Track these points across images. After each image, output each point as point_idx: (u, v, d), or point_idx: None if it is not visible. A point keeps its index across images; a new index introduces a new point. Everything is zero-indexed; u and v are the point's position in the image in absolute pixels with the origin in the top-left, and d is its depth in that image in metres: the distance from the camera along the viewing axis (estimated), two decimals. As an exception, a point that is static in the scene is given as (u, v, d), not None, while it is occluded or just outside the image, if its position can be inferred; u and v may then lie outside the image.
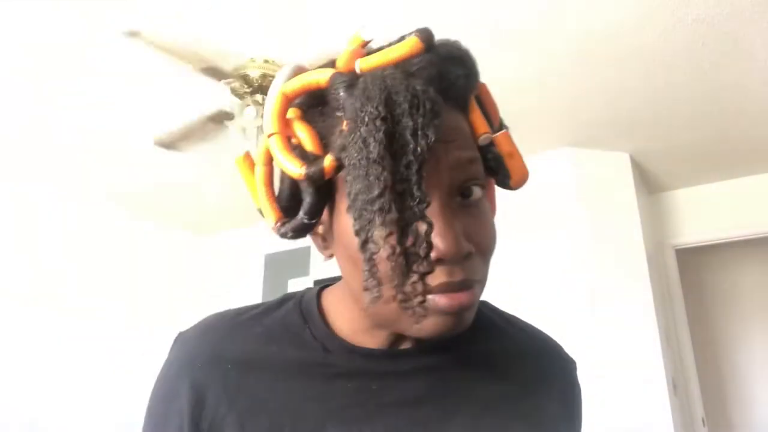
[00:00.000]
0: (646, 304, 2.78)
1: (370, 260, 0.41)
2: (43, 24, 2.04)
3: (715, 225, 3.36)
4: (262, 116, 2.20)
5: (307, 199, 0.47)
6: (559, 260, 2.83)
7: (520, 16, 2.01)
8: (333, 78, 0.45)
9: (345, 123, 0.43)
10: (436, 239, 0.42)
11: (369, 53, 0.47)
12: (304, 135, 0.46)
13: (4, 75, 2.33)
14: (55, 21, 2.02)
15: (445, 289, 0.44)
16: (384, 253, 0.41)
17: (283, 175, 0.49)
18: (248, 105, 2.19)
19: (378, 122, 0.39)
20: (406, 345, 0.54)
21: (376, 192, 0.39)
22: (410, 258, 0.41)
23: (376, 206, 0.39)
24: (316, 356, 0.53)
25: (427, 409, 0.52)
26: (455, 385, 0.54)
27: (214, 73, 2.17)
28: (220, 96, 2.34)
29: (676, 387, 2.82)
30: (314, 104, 0.48)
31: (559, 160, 2.98)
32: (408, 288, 0.42)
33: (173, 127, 2.41)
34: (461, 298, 0.44)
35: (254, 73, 2.23)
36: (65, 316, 3.33)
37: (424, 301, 0.43)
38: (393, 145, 0.39)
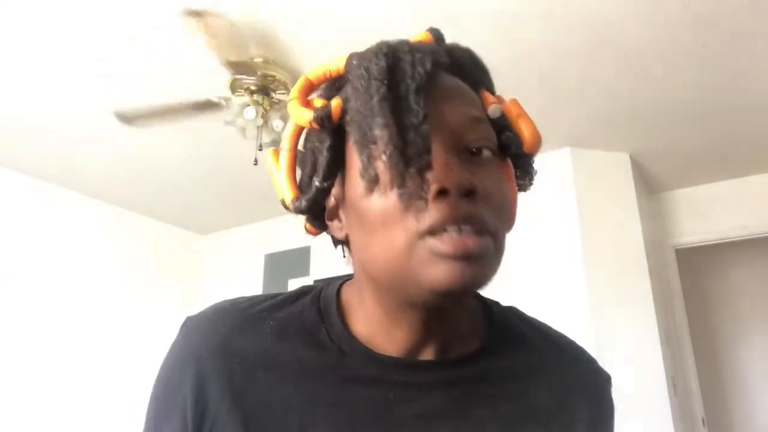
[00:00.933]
0: (646, 304, 2.78)
1: (366, 146, 0.43)
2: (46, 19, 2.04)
3: (715, 225, 3.35)
4: (262, 117, 2.22)
5: (321, 160, 0.48)
6: (558, 260, 2.83)
7: (519, 15, 2.01)
8: (349, 56, 0.47)
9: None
10: (438, 170, 0.42)
11: None
12: (318, 103, 0.49)
13: (6, 74, 2.34)
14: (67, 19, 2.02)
15: (451, 220, 0.42)
16: (382, 145, 0.42)
17: (305, 156, 0.51)
18: (248, 105, 2.19)
19: (380, 55, 0.43)
20: (426, 355, 0.51)
21: (376, 98, 0.42)
22: (408, 151, 0.42)
23: (379, 107, 0.42)
24: (331, 359, 0.50)
25: (446, 426, 0.49)
26: (478, 401, 0.51)
27: (239, 67, 2.16)
28: (217, 90, 2.34)
29: (676, 387, 2.82)
30: (334, 96, 0.49)
31: (559, 160, 2.98)
32: (408, 182, 0.42)
33: (141, 103, 2.33)
34: (468, 240, 0.42)
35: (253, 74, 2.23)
36: (65, 313, 3.33)
37: (425, 195, 0.42)
38: (394, 76, 0.43)
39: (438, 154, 0.44)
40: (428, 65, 0.43)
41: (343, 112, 0.46)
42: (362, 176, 0.44)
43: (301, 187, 0.52)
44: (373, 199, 0.45)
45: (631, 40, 2.14)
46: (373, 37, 0.52)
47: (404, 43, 0.45)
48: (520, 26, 2.06)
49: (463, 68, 0.51)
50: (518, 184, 0.54)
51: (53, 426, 3.11)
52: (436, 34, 0.51)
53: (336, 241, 0.56)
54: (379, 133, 0.42)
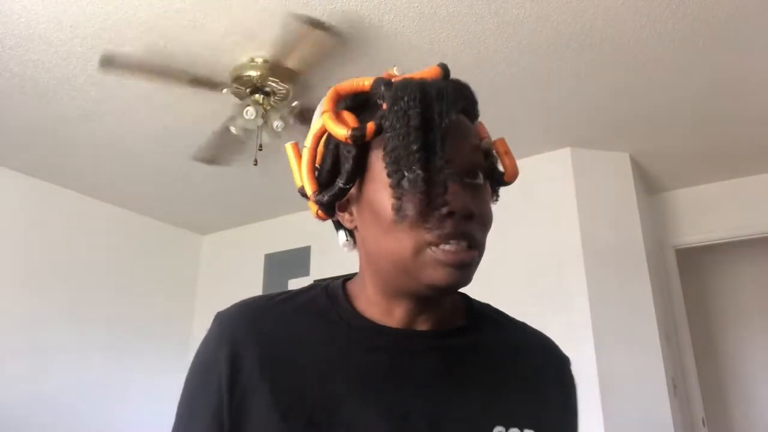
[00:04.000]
0: (646, 304, 2.78)
1: (400, 188, 0.52)
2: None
3: (715, 225, 3.35)
4: (262, 117, 2.22)
5: (346, 166, 0.57)
6: (558, 260, 2.83)
7: (519, 15, 2.01)
8: (375, 81, 0.58)
9: (383, 105, 0.55)
10: (450, 197, 0.53)
11: None
12: (349, 118, 0.58)
13: (9, 78, 2.34)
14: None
15: (454, 237, 0.54)
16: (414, 185, 0.52)
17: (326, 155, 0.60)
18: (248, 105, 2.19)
19: (415, 102, 0.53)
20: (422, 328, 0.61)
21: (415, 147, 0.51)
22: (432, 191, 0.52)
23: (416, 157, 0.51)
24: (342, 332, 0.61)
25: (441, 386, 0.59)
26: (467, 367, 0.61)
27: (206, 83, 2.18)
28: (222, 100, 2.34)
29: (676, 387, 2.82)
30: (357, 108, 0.59)
31: (559, 160, 2.98)
32: (430, 212, 0.53)
33: (206, 142, 2.46)
34: (462, 254, 0.54)
35: (253, 74, 2.24)
36: (65, 313, 3.33)
37: (444, 216, 0.53)
38: (426, 121, 0.52)
39: (450, 184, 0.54)
40: (453, 116, 0.54)
41: (375, 134, 0.55)
42: (395, 210, 0.53)
43: (319, 181, 0.61)
44: (392, 209, 0.54)
45: (631, 40, 2.14)
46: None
47: (432, 88, 0.54)
48: (521, 26, 2.06)
49: (467, 105, 0.61)
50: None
51: (60, 425, 3.12)
52: (444, 69, 0.60)
53: (339, 227, 0.66)
54: (414, 177, 0.52)
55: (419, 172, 0.51)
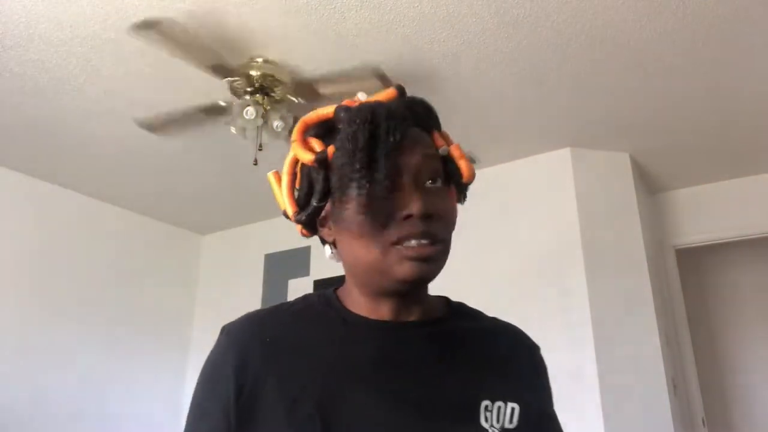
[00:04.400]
0: (646, 304, 2.78)
1: (351, 197, 0.61)
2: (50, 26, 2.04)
3: (715, 225, 3.36)
4: (262, 117, 2.22)
5: (317, 187, 0.64)
6: (558, 260, 2.83)
7: (519, 16, 2.01)
8: (337, 108, 0.65)
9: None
10: (406, 200, 0.61)
11: None
12: (315, 144, 0.66)
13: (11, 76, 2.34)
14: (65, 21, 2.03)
15: (414, 236, 0.60)
16: (358, 199, 0.60)
17: (302, 180, 0.67)
18: (248, 105, 2.19)
19: (365, 124, 0.60)
20: (410, 318, 0.68)
21: (357, 165, 0.59)
22: (375, 196, 0.59)
23: (357, 174, 0.59)
24: (337, 329, 0.67)
25: (431, 369, 0.65)
26: (452, 350, 0.68)
27: (220, 70, 2.17)
28: (217, 92, 2.34)
29: (676, 387, 2.82)
30: (323, 134, 0.67)
31: (559, 160, 2.98)
32: (377, 220, 0.61)
33: (159, 111, 2.40)
34: (426, 249, 0.61)
35: (255, 74, 2.24)
36: (65, 313, 3.33)
37: (404, 219, 0.60)
38: (373, 139, 0.60)
39: (407, 187, 0.62)
40: (398, 135, 0.60)
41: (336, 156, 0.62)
42: (363, 215, 0.61)
43: (298, 203, 0.68)
44: (356, 219, 0.61)
45: (631, 40, 2.14)
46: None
47: (383, 108, 0.62)
48: (521, 26, 2.06)
49: (420, 119, 0.68)
50: (457, 200, 0.72)
51: (55, 424, 3.12)
52: (400, 90, 0.69)
53: (324, 241, 0.72)
54: (353, 193, 0.60)
55: (364, 182, 0.59)
